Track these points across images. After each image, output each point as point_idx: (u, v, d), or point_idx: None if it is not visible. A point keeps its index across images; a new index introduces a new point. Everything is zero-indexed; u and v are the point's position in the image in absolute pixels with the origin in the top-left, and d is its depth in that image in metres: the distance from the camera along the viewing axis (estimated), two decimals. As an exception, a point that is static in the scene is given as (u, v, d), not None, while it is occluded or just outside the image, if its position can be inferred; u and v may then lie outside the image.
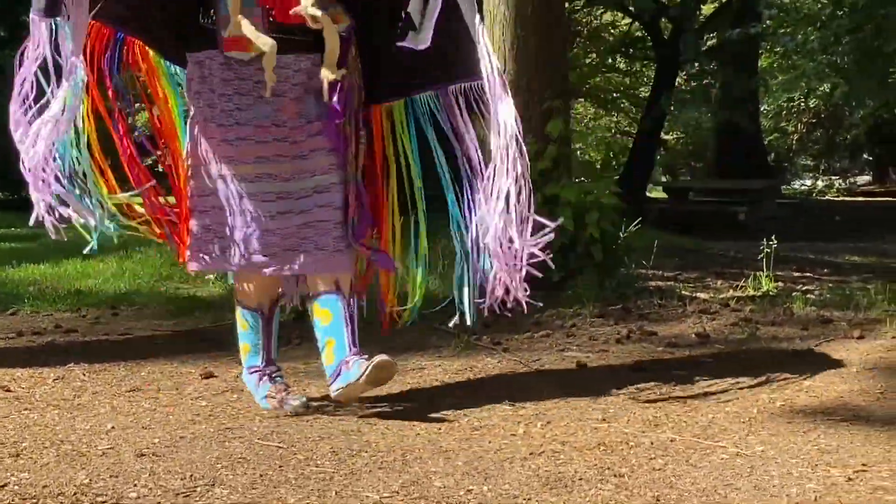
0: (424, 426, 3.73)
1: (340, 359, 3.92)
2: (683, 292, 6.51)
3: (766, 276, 6.99)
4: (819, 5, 16.79)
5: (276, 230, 4.00)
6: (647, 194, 23.69)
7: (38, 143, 3.69)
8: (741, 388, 4.17)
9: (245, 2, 3.85)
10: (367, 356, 3.86)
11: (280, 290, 4.35)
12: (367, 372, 3.80)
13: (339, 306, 4.01)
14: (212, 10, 3.99)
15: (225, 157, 4.02)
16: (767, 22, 19.47)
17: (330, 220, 4.02)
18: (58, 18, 3.70)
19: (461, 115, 4.06)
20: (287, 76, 3.97)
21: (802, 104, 29.33)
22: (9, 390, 4.28)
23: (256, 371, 4.20)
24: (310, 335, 5.34)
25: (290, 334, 5.42)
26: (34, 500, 2.92)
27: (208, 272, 5.58)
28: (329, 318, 4.01)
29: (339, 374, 3.91)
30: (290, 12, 3.79)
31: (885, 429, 3.58)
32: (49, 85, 3.70)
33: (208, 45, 4.01)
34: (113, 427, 3.71)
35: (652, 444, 3.46)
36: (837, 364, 4.46)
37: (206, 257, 4.14)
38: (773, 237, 7.38)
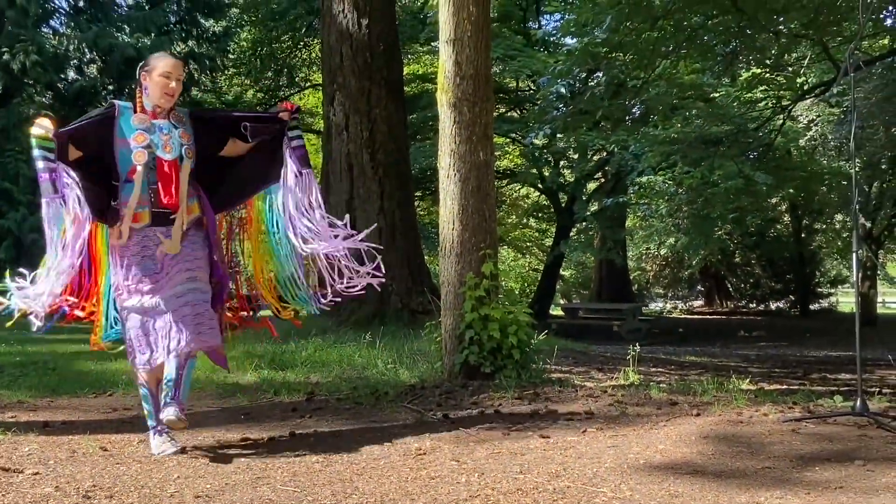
0: (396, 476, 3.71)
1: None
2: (576, 381, 6.52)
3: (633, 371, 7.03)
4: (667, 185, 17.15)
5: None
6: (550, 312, 23.78)
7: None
8: (616, 450, 4.17)
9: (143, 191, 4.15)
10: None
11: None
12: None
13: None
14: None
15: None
16: (632, 195, 19.88)
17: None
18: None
19: None
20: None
21: (656, 251, 29.78)
22: (105, 449, 4.22)
23: (153, 429, 4.23)
24: (318, 413, 5.32)
25: (304, 411, 5.39)
26: (122, 529, 2.88)
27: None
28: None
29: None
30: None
31: (715, 479, 3.59)
32: None
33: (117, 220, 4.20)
34: (178, 476, 3.66)
35: (554, 489, 3.46)
36: (682, 434, 4.48)
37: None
38: (636, 343, 7.44)
